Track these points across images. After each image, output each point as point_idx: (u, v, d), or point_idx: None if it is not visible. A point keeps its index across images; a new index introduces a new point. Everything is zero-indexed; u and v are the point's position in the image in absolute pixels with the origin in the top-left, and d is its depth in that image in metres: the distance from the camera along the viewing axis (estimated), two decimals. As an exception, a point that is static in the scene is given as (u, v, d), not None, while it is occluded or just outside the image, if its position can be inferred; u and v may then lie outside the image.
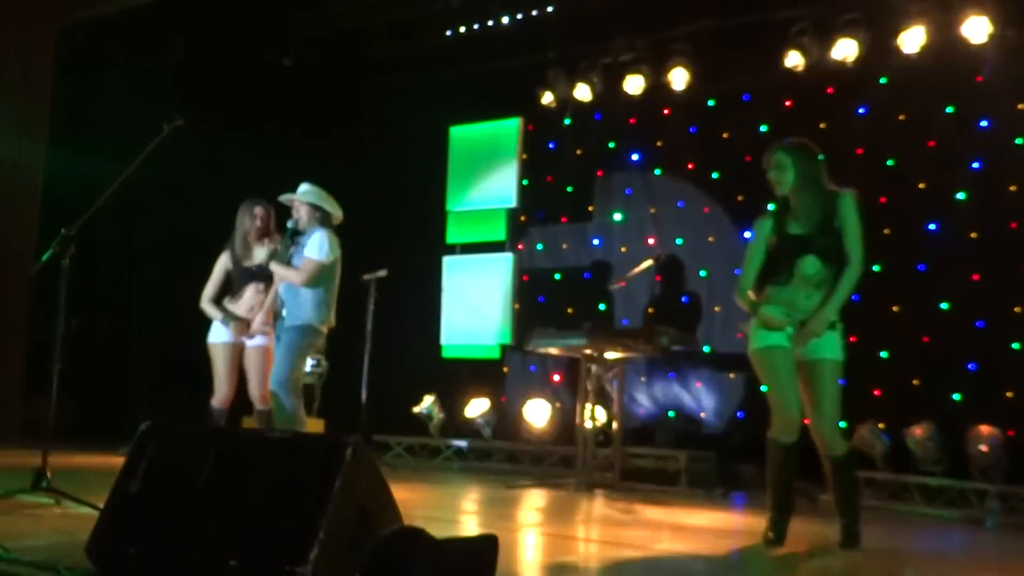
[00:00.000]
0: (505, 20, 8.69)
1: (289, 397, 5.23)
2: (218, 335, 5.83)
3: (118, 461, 2.80)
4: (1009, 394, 6.99)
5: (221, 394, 5.84)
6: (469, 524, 4.88)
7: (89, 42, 9.20)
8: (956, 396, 7.17)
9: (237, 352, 5.84)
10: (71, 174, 8.49)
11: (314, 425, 8.09)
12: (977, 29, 6.91)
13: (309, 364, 8.41)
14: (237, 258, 5.83)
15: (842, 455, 4.32)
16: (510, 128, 9.68)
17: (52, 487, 4.32)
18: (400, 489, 2.67)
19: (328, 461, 2.36)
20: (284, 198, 5.67)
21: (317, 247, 5.43)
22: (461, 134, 10.01)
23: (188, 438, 2.63)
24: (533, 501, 6.22)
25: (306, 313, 5.38)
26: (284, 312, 5.46)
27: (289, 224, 5.60)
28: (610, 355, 7.25)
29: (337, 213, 5.66)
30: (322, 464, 2.37)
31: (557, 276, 9.42)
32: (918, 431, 6.73)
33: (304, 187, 5.67)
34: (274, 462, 2.46)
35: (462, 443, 8.80)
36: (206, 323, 5.97)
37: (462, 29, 8.93)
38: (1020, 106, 7.14)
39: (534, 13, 8.47)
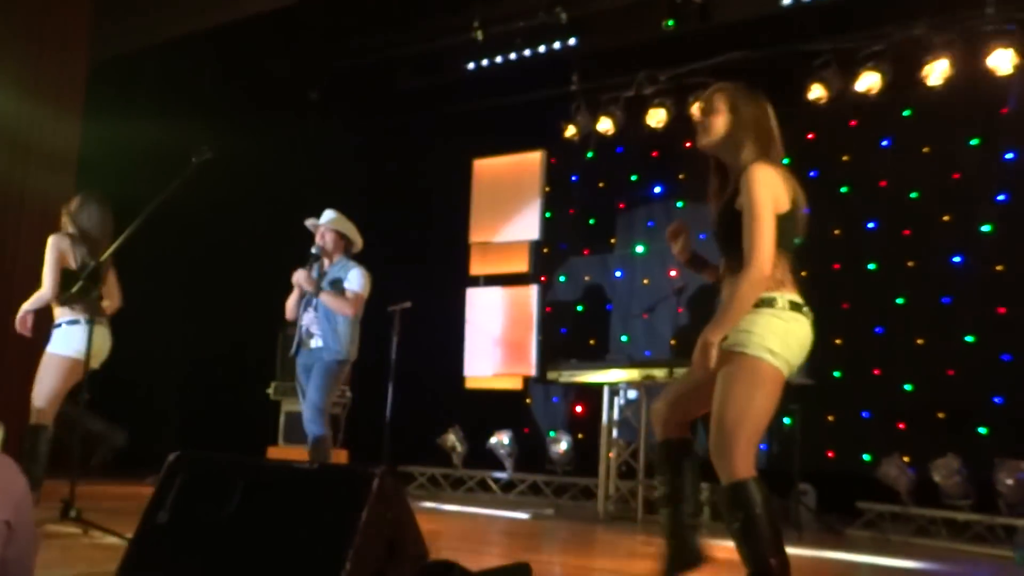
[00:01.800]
0: (528, 54, 8.73)
1: (325, 423, 5.37)
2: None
3: (146, 490, 2.81)
4: (1036, 428, 6.91)
5: None
6: (493, 555, 4.85)
7: (118, 77, 9.30)
8: (982, 429, 7.09)
9: None
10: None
11: (337, 455, 8.08)
12: (1002, 61, 6.88)
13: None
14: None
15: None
16: (533, 161, 9.70)
17: (80, 517, 4.33)
18: (425, 520, 2.66)
19: (355, 492, 2.35)
20: (310, 223, 5.73)
21: (359, 281, 5.55)
22: (485, 167, 10.05)
23: (216, 469, 2.63)
24: (556, 532, 6.19)
25: (345, 347, 5.51)
26: (316, 343, 5.51)
27: (313, 249, 5.67)
28: (633, 387, 7.22)
29: (359, 242, 5.77)
30: (349, 495, 2.36)
31: (580, 308, 9.42)
32: (944, 465, 6.66)
33: (330, 214, 5.72)
34: (301, 493, 2.46)
35: (485, 474, 8.77)
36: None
37: (485, 63, 8.98)
38: (1045, 138, 7.10)
39: (557, 47, 8.51)
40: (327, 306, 5.53)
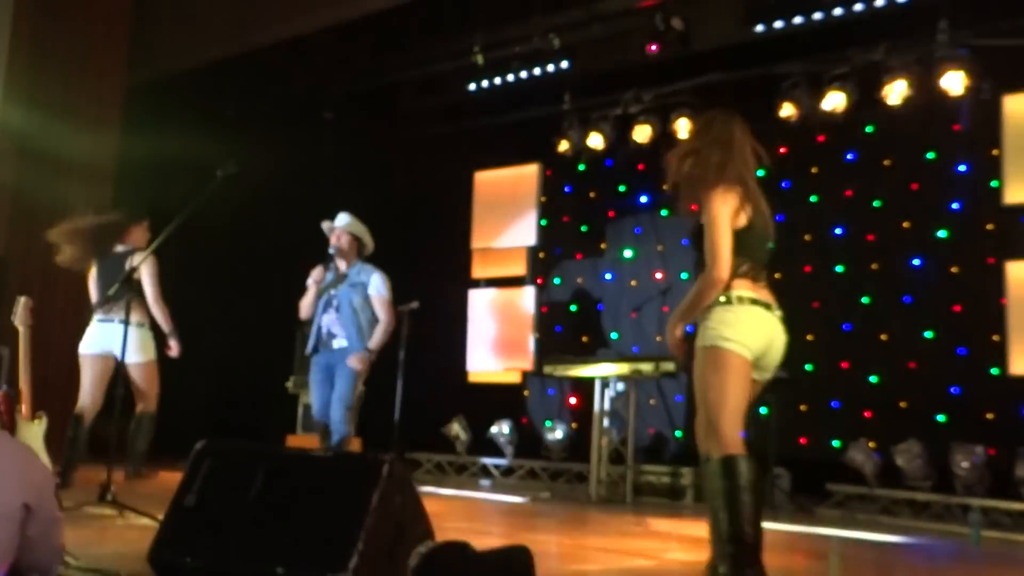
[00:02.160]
0: (524, 76, 8.72)
1: (351, 418, 5.25)
2: None
3: (176, 475, 2.81)
4: (989, 415, 6.91)
5: None
6: (494, 535, 4.85)
7: (152, 98, 9.31)
8: (940, 417, 7.09)
9: None
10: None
11: (351, 444, 8.06)
12: (954, 83, 6.89)
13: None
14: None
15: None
16: (530, 173, 9.69)
17: (116, 500, 4.34)
18: (431, 503, 2.66)
19: (367, 478, 2.36)
20: (326, 226, 5.55)
21: (383, 285, 5.40)
22: (485, 179, 10.04)
23: (239, 456, 2.63)
24: (552, 514, 6.18)
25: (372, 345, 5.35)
26: (339, 343, 5.31)
27: (330, 251, 5.48)
28: (622, 380, 7.22)
29: (371, 244, 5.61)
30: (361, 481, 2.37)
31: (573, 308, 9.40)
32: (906, 450, 6.66)
33: (344, 217, 5.56)
34: (318, 478, 2.46)
35: (487, 460, 8.76)
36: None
37: (485, 84, 8.98)
38: (994, 152, 7.08)
39: (551, 70, 8.50)
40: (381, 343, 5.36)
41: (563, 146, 8.98)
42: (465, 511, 6.28)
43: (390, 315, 5.38)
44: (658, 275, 8.76)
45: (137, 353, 5.53)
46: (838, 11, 6.92)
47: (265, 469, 2.49)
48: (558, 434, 8.58)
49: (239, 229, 9.45)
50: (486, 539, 4.53)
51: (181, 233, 4.81)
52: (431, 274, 9.61)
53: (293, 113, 9.91)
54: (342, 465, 2.48)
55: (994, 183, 7.09)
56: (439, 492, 7.43)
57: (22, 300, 5.14)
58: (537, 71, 8.55)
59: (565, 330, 9.38)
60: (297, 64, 9.54)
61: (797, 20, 7.11)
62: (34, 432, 4.96)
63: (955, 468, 6.41)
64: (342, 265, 5.46)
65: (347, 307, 5.34)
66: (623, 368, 7.23)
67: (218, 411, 9.68)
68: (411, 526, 2.45)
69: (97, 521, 4.22)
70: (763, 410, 7.55)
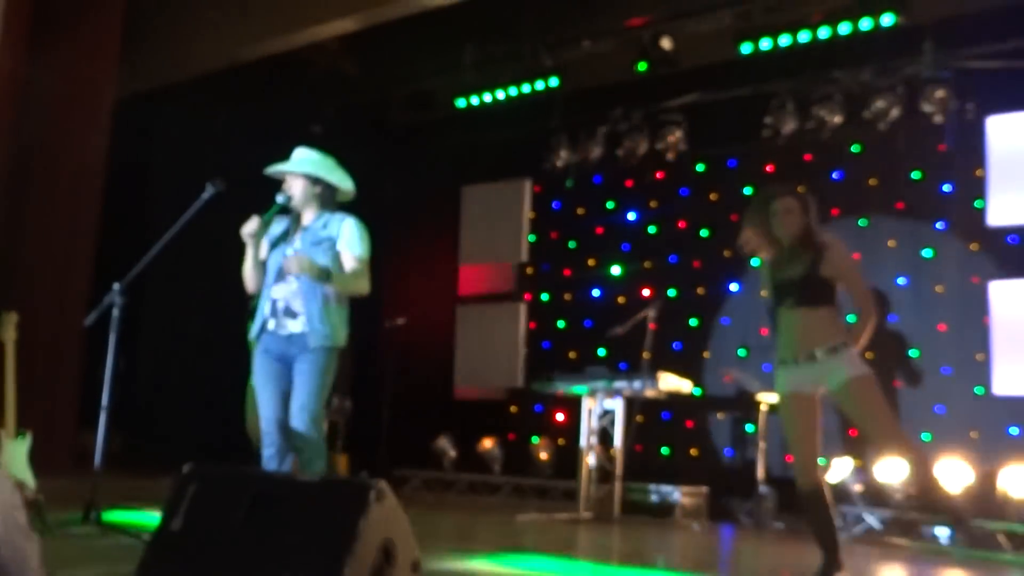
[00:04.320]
0: (514, 93, 8.76)
1: (320, 430, 3.91)
2: None
3: (161, 491, 2.79)
4: (973, 434, 6.95)
5: None
6: (480, 552, 4.83)
7: (143, 112, 9.30)
8: (926, 436, 7.12)
9: None
10: (122, 232, 8.57)
11: (338, 461, 8.05)
12: (938, 104, 6.96)
13: (334, 400, 8.37)
14: None
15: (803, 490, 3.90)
16: (519, 189, 9.72)
17: (101, 519, 4.31)
18: (418, 520, 2.65)
19: (354, 503, 2.35)
20: (273, 170, 4.23)
21: (358, 240, 4.04)
22: (474, 194, 10.06)
23: (225, 480, 2.62)
24: (539, 531, 6.17)
25: (336, 332, 3.94)
26: (296, 325, 3.91)
27: (278, 198, 4.11)
28: (609, 397, 7.22)
29: (345, 186, 4.23)
30: (348, 505, 2.36)
31: (561, 324, 9.42)
32: (890, 468, 6.69)
33: (299, 153, 4.24)
34: (304, 504, 2.45)
35: (474, 478, 8.75)
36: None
37: (474, 100, 9.00)
38: (978, 172, 7.17)
39: (540, 87, 8.54)
40: (334, 287, 3.93)
41: (552, 162, 9.02)
42: (452, 528, 6.26)
43: (365, 280, 4.03)
44: (645, 291, 8.78)
45: None
46: (824, 33, 6.97)
47: (251, 494, 2.48)
48: (545, 451, 8.59)
49: (229, 241, 9.43)
50: (470, 557, 4.52)
51: (169, 247, 4.79)
52: (419, 290, 9.62)
53: (282, 127, 9.90)
54: (329, 490, 2.47)
55: (978, 203, 7.16)
56: (426, 510, 7.40)
57: (7, 315, 5.13)
58: (526, 88, 8.59)
59: (553, 346, 9.39)
60: (286, 78, 9.55)
61: (784, 41, 7.16)
62: (18, 449, 4.94)
63: (939, 486, 6.43)
64: (305, 217, 4.14)
65: (307, 276, 3.92)
66: (610, 386, 7.23)
67: (202, 422, 9.64)
68: (398, 551, 2.45)
69: (82, 540, 4.19)
70: (750, 428, 7.58)
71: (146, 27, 9.25)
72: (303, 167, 4.14)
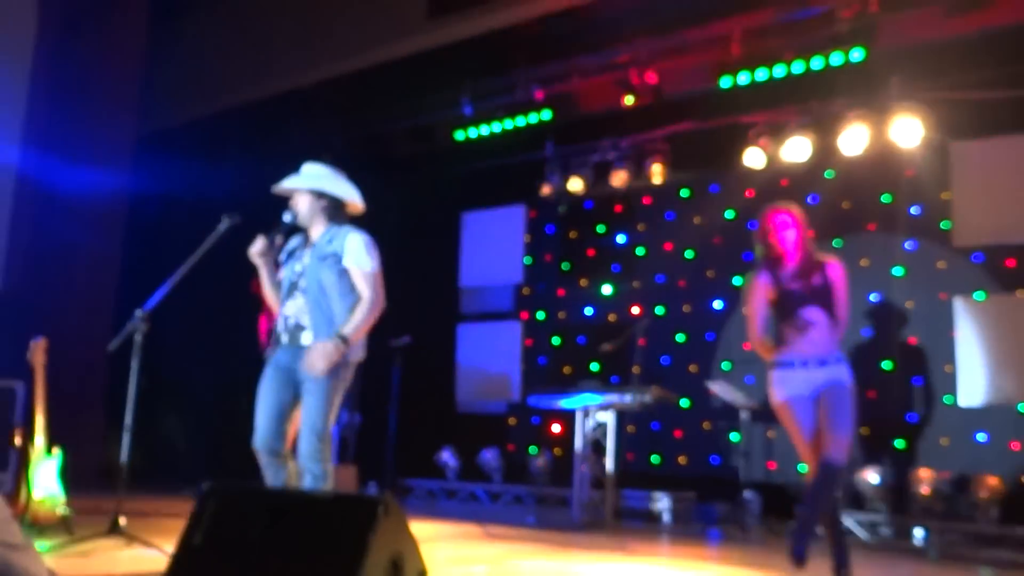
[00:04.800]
0: (509, 125, 8.81)
1: (326, 451, 3.63)
2: None
3: (183, 505, 2.81)
4: (944, 441, 6.97)
5: None
6: (481, 558, 4.84)
7: (162, 148, 9.36)
8: (898, 443, 7.14)
9: None
10: (144, 260, 8.60)
11: (347, 471, 8.05)
12: (906, 131, 7.01)
13: (344, 415, 8.38)
14: None
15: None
16: (515, 215, 9.77)
17: (126, 531, 4.32)
18: (422, 528, 2.68)
19: (364, 518, 2.38)
20: (278, 187, 4.01)
21: (365, 254, 3.80)
22: (473, 219, 10.11)
23: (243, 497, 2.65)
24: (537, 537, 6.18)
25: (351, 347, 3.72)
26: (306, 338, 3.75)
27: (284, 216, 3.94)
28: (602, 409, 7.24)
29: (353, 200, 4.01)
30: (359, 521, 2.39)
31: (556, 341, 9.44)
32: (866, 474, 6.72)
33: (305, 168, 4.02)
34: (317, 519, 2.47)
35: (475, 487, 8.75)
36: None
37: (472, 133, 9.06)
38: (944, 195, 7.21)
39: (533, 120, 8.60)
40: (361, 327, 3.70)
41: (546, 189, 9.07)
42: (455, 535, 6.27)
43: (375, 290, 3.77)
44: (635, 309, 8.81)
45: None
46: (798, 67, 7.04)
47: (268, 510, 2.51)
48: (542, 461, 8.59)
49: (243, 267, 9.46)
50: (473, 563, 4.53)
51: (188, 275, 4.82)
52: (422, 310, 9.64)
53: (292, 159, 9.95)
54: (340, 506, 2.50)
55: (944, 224, 7.21)
56: (430, 518, 7.40)
57: (36, 340, 5.16)
58: (520, 121, 8.64)
59: (548, 362, 9.41)
60: (296, 114, 9.61)
61: (761, 75, 7.22)
62: (50, 465, 4.96)
63: (913, 491, 6.46)
64: (314, 232, 3.95)
65: (314, 287, 3.78)
66: (602, 399, 7.24)
67: (219, 439, 9.64)
68: (407, 563, 2.47)
69: (107, 552, 4.20)
70: (734, 437, 7.60)
71: (165, 68, 9.34)
72: (307, 182, 3.92)
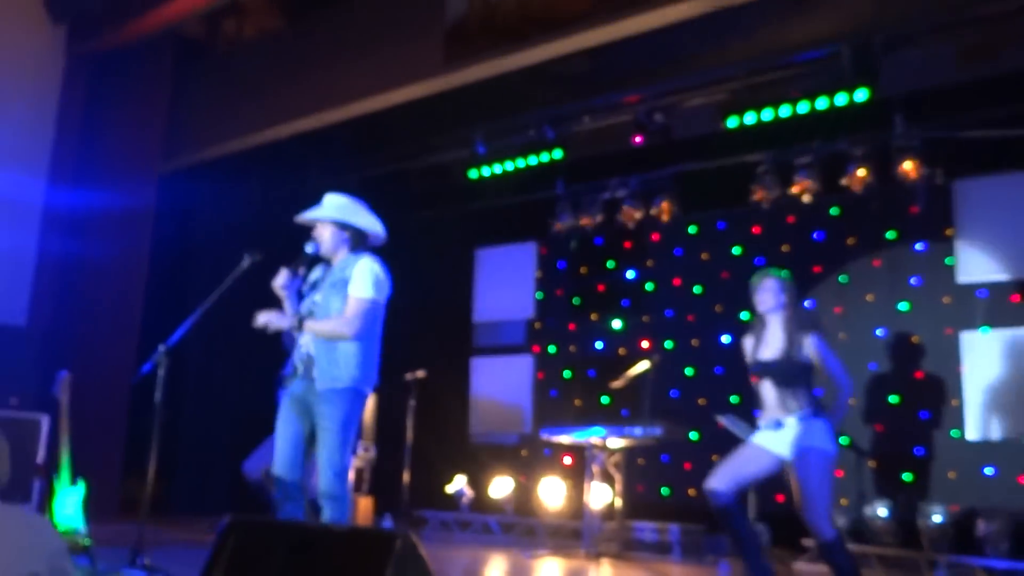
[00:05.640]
0: (521, 164, 8.87)
1: (345, 487, 3.63)
2: None
3: (204, 536, 2.81)
4: (951, 475, 6.90)
5: None
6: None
7: (185, 185, 9.44)
8: (906, 476, 7.08)
9: None
10: (167, 295, 8.66)
11: (364, 503, 8.02)
12: (911, 168, 7.02)
13: (360, 448, 8.36)
14: None
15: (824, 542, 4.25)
16: (527, 251, 9.81)
17: (148, 564, 4.32)
18: (437, 559, 2.67)
19: (381, 552, 2.38)
20: (303, 218, 4.05)
21: (364, 280, 3.79)
22: (486, 255, 10.15)
23: (264, 530, 2.65)
24: (549, 568, 6.14)
25: (347, 373, 3.70)
26: (315, 370, 3.73)
27: (306, 248, 3.95)
28: (612, 442, 7.21)
29: (374, 230, 4.05)
30: (376, 554, 2.38)
31: (567, 374, 9.42)
32: (875, 507, 6.65)
33: (327, 199, 4.04)
34: (336, 552, 2.47)
35: (488, 518, 8.70)
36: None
37: (486, 172, 9.12)
38: (948, 232, 7.21)
39: (545, 159, 8.65)
40: (320, 335, 3.72)
41: (557, 226, 9.10)
42: (468, 565, 6.23)
43: (356, 316, 3.71)
44: (644, 344, 8.79)
45: None
46: (803, 108, 7.07)
47: (288, 543, 2.51)
48: (554, 493, 8.54)
49: (265, 301, 9.50)
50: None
51: (210, 311, 4.85)
52: (437, 344, 9.66)
53: (311, 198, 10.03)
54: (358, 540, 2.50)
55: (949, 261, 7.20)
56: (444, 548, 7.36)
57: (62, 375, 5.20)
58: (533, 160, 8.70)
59: (560, 395, 9.39)
60: (315, 154, 9.71)
61: (766, 115, 7.26)
62: (73, 496, 4.98)
63: (921, 524, 6.39)
64: (336, 262, 3.99)
65: (324, 316, 3.80)
66: (611, 432, 7.21)
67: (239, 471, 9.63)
68: (421, 596, 2.47)
69: (129, 583, 4.20)
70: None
71: (188, 107, 9.45)
72: (330, 213, 3.93)
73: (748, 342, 4.59)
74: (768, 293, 4.47)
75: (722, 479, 4.26)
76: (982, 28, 6.46)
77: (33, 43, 8.67)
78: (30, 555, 2.12)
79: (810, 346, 4.31)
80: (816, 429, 4.26)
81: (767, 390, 4.41)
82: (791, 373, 4.29)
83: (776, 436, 4.33)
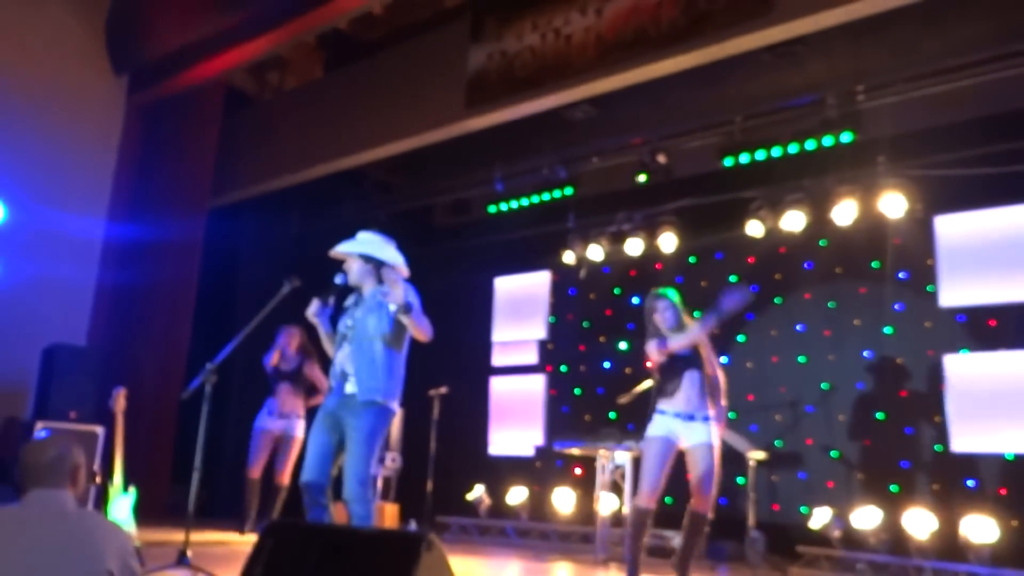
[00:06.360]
0: (535, 200, 8.87)
1: (368, 494, 3.63)
2: None
3: (243, 539, 2.78)
4: (935, 486, 6.78)
5: None
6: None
7: (231, 220, 9.50)
8: (893, 487, 6.95)
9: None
10: (214, 319, 8.68)
11: (390, 510, 7.95)
12: (893, 204, 6.98)
13: (388, 458, 8.30)
14: None
15: None
16: (541, 279, 9.78)
17: (192, 563, 4.28)
18: (458, 562, 2.62)
19: (408, 554, 2.34)
20: (335, 251, 4.17)
21: (413, 297, 3.90)
22: (504, 283, 10.13)
23: (300, 533, 2.61)
24: (561, 572, 6.05)
25: (384, 387, 3.78)
26: (350, 387, 3.79)
27: (336, 279, 4.07)
28: (619, 453, 7.13)
29: (397, 264, 4.11)
30: (404, 555, 2.34)
31: (577, 391, 9.35)
32: (864, 516, 6.52)
33: (360, 235, 4.20)
34: (365, 554, 2.43)
35: (505, 524, 8.61)
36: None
37: (503, 207, 9.13)
38: (929, 262, 7.14)
39: (556, 195, 8.65)
40: (411, 329, 3.83)
41: (568, 257, 9.08)
42: (486, 569, 6.15)
43: (422, 322, 3.85)
44: (648, 363, 8.69)
45: None
46: (793, 148, 7.06)
47: (321, 545, 2.48)
48: (566, 501, 8.44)
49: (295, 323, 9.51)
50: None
51: (253, 333, 4.82)
52: (458, 364, 9.62)
53: (345, 231, 10.07)
54: (387, 541, 2.46)
55: (930, 288, 7.12)
56: (465, 553, 7.27)
57: (118, 390, 5.20)
58: (546, 196, 8.71)
59: (571, 410, 9.31)
60: (348, 191, 9.75)
61: (760, 155, 7.24)
62: (125, 502, 4.95)
63: (907, 533, 6.26)
64: (365, 291, 4.08)
65: (360, 336, 3.85)
66: (619, 444, 7.13)
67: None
68: (445, 595, 2.42)
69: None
70: (741, 480, 7.43)
71: (235, 152, 9.54)
72: (358, 247, 4.08)
73: None
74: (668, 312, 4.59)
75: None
76: (948, 79, 6.38)
77: (98, 92, 8.79)
78: (106, 554, 2.16)
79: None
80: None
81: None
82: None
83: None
